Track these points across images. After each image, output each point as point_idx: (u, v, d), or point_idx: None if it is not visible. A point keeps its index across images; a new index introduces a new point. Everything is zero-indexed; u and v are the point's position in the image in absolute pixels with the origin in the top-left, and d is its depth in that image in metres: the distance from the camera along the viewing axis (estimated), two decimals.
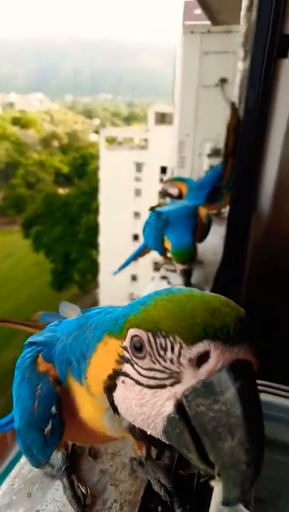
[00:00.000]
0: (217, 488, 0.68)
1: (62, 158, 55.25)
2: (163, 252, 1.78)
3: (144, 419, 0.45)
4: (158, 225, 1.68)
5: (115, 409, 0.50)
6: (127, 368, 0.47)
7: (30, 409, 0.59)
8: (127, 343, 0.46)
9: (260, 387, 0.93)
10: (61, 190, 33.52)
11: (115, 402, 0.49)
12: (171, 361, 0.41)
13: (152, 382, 0.44)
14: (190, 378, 0.41)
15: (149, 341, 0.43)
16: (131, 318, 0.46)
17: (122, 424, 0.51)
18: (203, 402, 0.39)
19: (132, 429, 0.50)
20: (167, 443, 0.45)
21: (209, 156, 3.59)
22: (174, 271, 1.82)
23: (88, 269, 26.52)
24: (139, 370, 0.45)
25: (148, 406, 0.44)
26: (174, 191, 2.43)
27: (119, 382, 0.48)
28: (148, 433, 0.46)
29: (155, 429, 0.44)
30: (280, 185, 1.72)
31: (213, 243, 2.15)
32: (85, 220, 26.45)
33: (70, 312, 0.78)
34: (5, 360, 21.91)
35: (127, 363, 0.47)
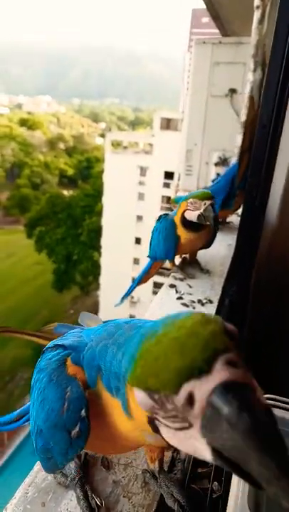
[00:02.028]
0: (232, 504, 0.69)
1: (68, 160, 55.64)
2: (173, 255, 1.80)
3: (192, 452, 0.45)
4: (167, 225, 1.71)
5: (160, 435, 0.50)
6: (155, 413, 0.47)
7: (59, 411, 0.60)
8: (138, 398, 0.47)
9: (271, 402, 0.93)
10: (65, 192, 33.67)
11: (165, 437, 0.49)
12: (174, 410, 0.43)
13: (176, 425, 0.45)
14: (193, 419, 0.42)
15: (150, 397, 0.45)
16: (129, 376, 0.48)
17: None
18: (216, 436, 0.39)
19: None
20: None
21: (216, 164, 3.62)
22: (182, 279, 1.84)
23: (90, 270, 26.58)
24: (162, 415, 0.46)
25: (186, 444, 0.45)
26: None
27: (157, 425, 0.48)
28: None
29: (205, 458, 0.44)
30: (287, 199, 1.74)
31: (221, 252, 2.16)
32: (88, 222, 26.55)
33: (91, 322, 0.78)
34: (4, 360, 21.92)
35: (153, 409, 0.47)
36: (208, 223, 1.56)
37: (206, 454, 0.42)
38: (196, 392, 0.40)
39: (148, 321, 0.58)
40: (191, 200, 1.58)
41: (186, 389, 0.41)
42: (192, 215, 1.59)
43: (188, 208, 1.60)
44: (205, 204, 1.54)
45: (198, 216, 1.57)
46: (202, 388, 0.40)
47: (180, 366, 0.41)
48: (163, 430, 0.48)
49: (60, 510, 0.71)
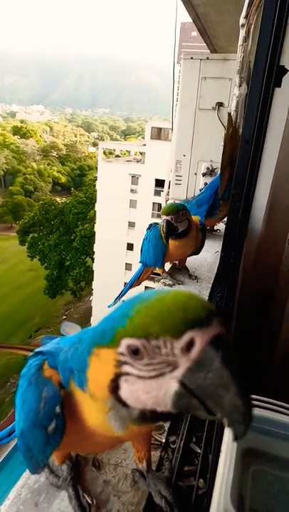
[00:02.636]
0: (216, 498, 0.73)
1: (61, 168, 55.73)
2: (162, 262, 1.86)
3: (154, 402, 0.54)
4: (156, 233, 1.80)
5: (124, 404, 0.56)
6: (126, 368, 0.54)
7: (36, 409, 0.65)
8: (123, 350, 0.54)
9: (258, 403, 0.98)
10: (58, 199, 33.69)
11: (123, 398, 0.56)
12: (167, 354, 0.51)
13: (153, 373, 0.53)
14: (184, 362, 0.51)
15: (144, 346, 0.52)
16: (120, 330, 0.54)
17: (133, 413, 0.57)
18: (200, 375, 0.50)
19: (142, 414, 0.56)
20: (176, 411, 0.54)
21: (204, 175, 3.72)
22: (172, 285, 1.89)
23: (82, 276, 26.46)
24: (140, 367, 0.53)
25: (155, 391, 0.53)
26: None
27: (122, 382, 0.55)
28: (159, 410, 0.54)
29: (165, 405, 0.53)
30: (271, 207, 1.81)
31: (208, 259, 2.23)
32: (81, 228, 26.54)
33: (71, 330, 0.83)
34: None
35: (125, 364, 0.54)
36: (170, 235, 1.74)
37: (168, 399, 0.52)
38: (196, 339, 0.50)
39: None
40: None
41: (189, 335, 0.50)
42: (161, 228, 1.77)
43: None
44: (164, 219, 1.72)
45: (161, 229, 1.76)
46: (204, 336, 0.50)
47: (186, 317, 0.50)
48: (126, 385, 0.55)
49: (53, 510, 0.74)
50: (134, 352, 0.52)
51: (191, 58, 3.62)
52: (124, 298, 2.25)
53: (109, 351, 0.55)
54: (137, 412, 0.56)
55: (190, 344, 0.50)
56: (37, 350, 0.75)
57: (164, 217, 1.72)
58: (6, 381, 21.14)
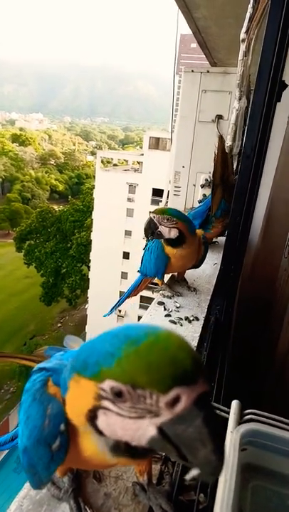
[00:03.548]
0: None
1: (59, 176, 55.99)
2: (162, 273, 1.87)
3: (129, 438, 0.55)
4: (158, 245, 1.80)
5: (100, 433, 0.58)
6: (106, 403, 0.54)
7: (41, 427, 0.65)
8: (106, 388, 0.54)
9: (256, 417, 0.98)
10: (56, 207, 33.79)
11: (99, 428, 0.57)
12: (151, 405, 0.52)
13: (134, 415, 0.53)
14: (167, 414, 0.52)
15: (129, 392, 0.52)
16: (106, 370, 0.53)
17: (108, 442, 0.58)
18: (179, 428, 0.51)
19: (117, 445, 0.57)
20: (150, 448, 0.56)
21: (202, 186, 3.76)
22: (170, 297, 1.90)
23: (78, 284, 26.39)
24: (121, 406, 0.54)
25: (132, 430, 0.54)
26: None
27: (100, 414, 0.56)
28: (132, 444, 0.56)
29: (140, 443, 0.55)
30: (268, 219, 1.85)
31: (207, 271, 2.25)
32: (77, 236, 26.57)
33: (73, 344, 0.84)
34: None
35: (106, 400, 0.54)
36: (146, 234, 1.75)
37: (143, 439, 0.54)
38: (183, 396, 0.50)
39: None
40: None
41: (176, 391, 0.50)
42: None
43: None
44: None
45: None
46: (190, 394, 0.51)
47: (175, 373, 0.50)
48: (104, 418, 0.56)
49: None
50: (117, 394, 0.53)
51: (192, 71, 3.70)
52: (120, 307, 2.24)
53: (91, 383, 0.55)
54: (112, 442, 0.57)
55: (176, 400, 0.51)
56: (41, 366, 0.75)
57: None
58: (0, 388, 20.88)
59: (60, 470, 0.79)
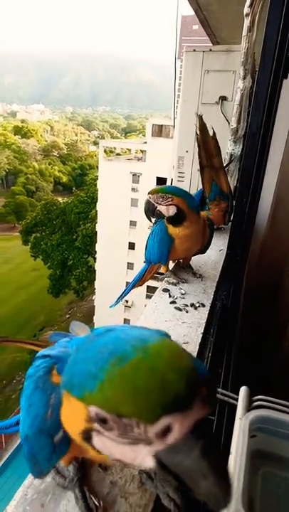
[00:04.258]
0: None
1: (62, 167, 55.89)
2: (166, 258, 1.83)
3: (127, 462, 0.50)
4: (162, 227, 1.75)
5: (99, 452, 0.52)
6: (98, 427, 0.49)
7: (43, 417, 0.62)
8: (92, 414, 0.48)
9: (265, 403, 0.96)
10: (60, 199, 33.82)
11: (96, 448, 0.52)
12: (139, 434, 0.45)
13: (126, 441, 0.47)
14: (159, 445, 0.45)
15: (114, 421, 0.46)
16: (88, 395, 0.47)
17: (110, 458, 0.53)
18: (176, 458, 0.45)
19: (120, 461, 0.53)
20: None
21: None
22: (175, 284, 1.86)
23: (85, 275, 26.61)
24: (110, 434, 0.48)
25: (128, 455, 0.48)
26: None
27: (94, 435, 0.51)
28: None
29: (140, 466, 0.49)
30: (276, 203, 1.79)
31: (212, 257, 2.20)
32: (83, 228, 26.62)
33: (79, 331, 0.80)
34: (1, 364, 21.80)
35: (96, 422, 0.49)
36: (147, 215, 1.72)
37: (146, 463, 0.48)
38: (174, 425, 0.43)
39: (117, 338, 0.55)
40: None
41: (165, 421, 0.43)
42: None
43: None
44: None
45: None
46: (183, 422, 0.43)
47: (163, 401, 0.43)
48: (98, 441, 0.51)
49: (59, 511, 0.72)
50: (103, 421, 0.47)
51: (194, 51, 3.57)
52: (127, 297, 2.21)
53: (80, 404, 0.50)
54: (113, 459, 0.53)
55: (166, 430, 0.44)
56: (45, 352, 0.72)
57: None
58: (12, 379, 21.39)
59: (64, 459, 0.77)
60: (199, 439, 0.44)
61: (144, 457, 0.47)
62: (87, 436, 0.52)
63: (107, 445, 0.50)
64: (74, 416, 0.52)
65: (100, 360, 0.47)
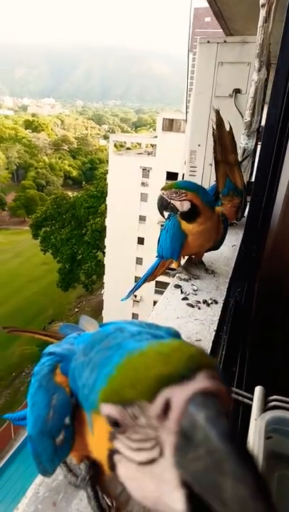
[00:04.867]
0: None
1: (72, 162, 56.04)
2: (179, 253, 1.80)
3: (150, 500, 0.41)
4: (175, 222, 1.72)
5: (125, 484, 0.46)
6: (118, 444, 0.44)
7: (45, 418, 0.60)
8: (103, 415, 0.44)
9: (281, 404, 0.93)
10: (70, 193, 33.96)
11: (122, 478, 0.45)
12: (147, 426, 0.41)
13: (142, 457, 0.41)
14: (167, 437, 0.39)
15: (121, 414, 0.42)
16: (101, 392, 0.44)
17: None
18: (190, 456, 0.36)
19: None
20: None
21: None
22: (187, 280, 1.84)
23: (94, 270, 26.78)
24: (127, 443, 0.43)
25: (150, 489, 0.40)
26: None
27: (117, 462, 0.45)
28: None
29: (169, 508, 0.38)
30: None
31: (225, 253, 2.16)
32: (92, 222, 26.72)
33: (88, 326, 0.79)
34: (11, 356, 22.19)
35: (115, 439, 0.44)
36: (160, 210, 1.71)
37: (175, 499, 0.37)
38: (173, 398, 0.38)
39: (130, 338, 0.52)
40: None
41: (163, 396, 0.39)
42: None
43: None
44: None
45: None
46: (182, 393, 0.38)
47: (161, 373, 0.39)
48: (121, 468, 0.44)
49: (71, 510, 0.71)
50: (115, 423, 0.43)
51: (208, 42, 3.49)
52: (136, 292, 2.19)
53: (101, 419, 0.45)
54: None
55: (166, 407, 0.38)
56: (51, 349, 0.70)
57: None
58: (21, 371, 21.76)
59: (76, 457, 0.76)
60: (203, 409, 0.36)
61: (169, 490, 0.38)
62: (111, 464, 0.46)
63: (128, 475, 0.44)
64: (99, 437, 0.48)
65: (117, 357, 0.45)
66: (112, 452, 0.45)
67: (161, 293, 1.74)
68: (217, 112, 2.15)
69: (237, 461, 0.33)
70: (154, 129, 27.66)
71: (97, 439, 0.50)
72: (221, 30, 4.11)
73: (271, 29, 2.87)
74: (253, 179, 2.36)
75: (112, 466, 0.46)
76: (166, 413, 0.38)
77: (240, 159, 2.77)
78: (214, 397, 0.38)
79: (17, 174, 50.46)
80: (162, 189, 1.66)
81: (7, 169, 49.13)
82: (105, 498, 0.72)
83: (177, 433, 0.37)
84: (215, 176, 2.43)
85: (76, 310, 28.85)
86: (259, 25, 2.88)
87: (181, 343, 0.44)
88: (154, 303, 2.00)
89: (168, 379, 0.39)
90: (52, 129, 64.56)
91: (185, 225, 1.70)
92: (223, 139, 2.25)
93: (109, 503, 0.72)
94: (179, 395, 0.38)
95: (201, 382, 0.38)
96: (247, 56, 3.32)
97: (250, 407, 0.97)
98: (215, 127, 2.20)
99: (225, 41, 3.50)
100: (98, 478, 0.77)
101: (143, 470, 0.41)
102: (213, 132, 2.23)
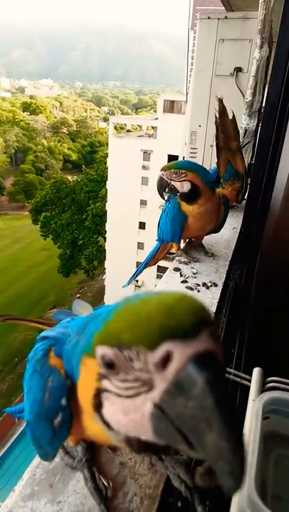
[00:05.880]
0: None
1: (71, 145, 55.14)
2: (179, 236, 1.78)
3: (134, 426, 0.46)
4: (175, 205, 1.69)
5: (109, 426, 0.50)
6: (106, 383, 0.48)
7: (41, 401, 0.60)
8: (98, 361, 0.47)
9: (278, 385, 0.94)
10: (69, 177, 33.55)
11: (106, 419, 0.50)
12: (141, 370, 0.43)
13: (130, 392, 0.45)
14: (161, 382, 0.42)
15: (117, 357, 0.44)
16: (96, 335, 0.47)
17: (119, 437, 0.50)
18: (179, 402, 0.40)
19: (129, 442, 0.49)
20: (162, 443, 0.46)
21: None
22: (187, 263, 1.82)
23: (95, 255, 26.76)
24: (117, 383, 0.46)
25: (132, 413, 0.45)
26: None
27: (104, 399, 0.49)
28: (142, 439, 0.47)
29: (146, 432, 0.45)
30: None
31: (225, 236, 2.14)
32: (93, 207, 26.50)
33: (82, 310, 0.78)
34: (13, 342, 22.51)
35: (105, 379, 0.48)
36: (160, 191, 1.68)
37: (146, 423, 0.44)
38: (175, 353, 0.40)
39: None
40: None
41: (165, 347, 0.40)
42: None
43: None
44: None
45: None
46: (184, 350, 0.40)
47: (164, 324, 0.41)
48: (107, 404, 0.48)
49: (68, 491, 0.72)
50: (109, 365, 0.45)
51: (208, 18, 3.36)
52: (138, 277, 2.19)
53: (92, 361, 0.49)
54: (123, 438, 0.49)
55: (166, 359, 0.41)
56: (44, 334, 0.71)
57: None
58: (24, 356, 22.09)
59: (72, 439, 0.77)
60: (202, 371, 0.39)
61: (144, 406, 0.44)
62: (98, 403, 0.50)
63: (114, 408, 0.48)
64: (87, 380, 0.51)
65: (115, 305, 0.47)
66: (100, 391, 0.49)
67: None
68: (220, 101, 2.09)
69: (224, 422, 0.38)
70: (155, 111, 27.05)
71: (84, 381, 0.53)
72: (223, 7, 3.96)
73: (273, 4, 2.75)
74: (254, 160, 2.31)
75: (97, 405, 0.50)
76: (165, 364, 0.41)
77: (241, 141, 2.71)
78: (214, 358, 0.41)
79: (15, 158, 49.74)
80: (162, 170, 1.63)
81: (5, 153, 48.33)
82: (102, 479, 0.73)
83: (172, 383, 0.41)
84: (216, 161, 2.40)
85: (78, 296, 29.03)
86: (261, 1, 2.76)
87: (184, 295, 0.44)
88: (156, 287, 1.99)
89: (171, 332, 0.40)
90: (50, 112, 63.21)
91: (185, 207, 1.67)
92: (226, 126, 2.21)
93: (105, 483, 0.72)
94: (181, 351, 0.40)
95: (203, 341, 0.40)
96: (248, 33, 3.21)
97: (248, 388, 0.98)
98: (218, 115, 2.15)
99: (226, 17, 3.37)
100: (95, 460, 0.78)
101: (127, 403, 0.45)
102: (215, 121, 2.19)
